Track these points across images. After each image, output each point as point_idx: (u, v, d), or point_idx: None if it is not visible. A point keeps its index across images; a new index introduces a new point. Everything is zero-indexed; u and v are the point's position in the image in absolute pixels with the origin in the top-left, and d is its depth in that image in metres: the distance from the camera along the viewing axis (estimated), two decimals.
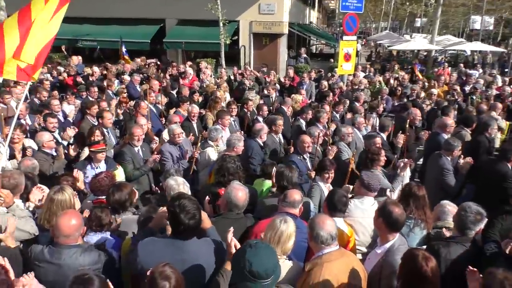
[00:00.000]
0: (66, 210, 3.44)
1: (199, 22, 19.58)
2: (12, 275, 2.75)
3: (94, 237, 3.59)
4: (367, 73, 15.63)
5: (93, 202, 4.22)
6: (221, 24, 17.15)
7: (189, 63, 15.21)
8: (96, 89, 9.43)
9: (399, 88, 11.65)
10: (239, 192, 3.75)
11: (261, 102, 9.49)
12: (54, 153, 5.76)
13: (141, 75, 12.08)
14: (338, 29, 38.98)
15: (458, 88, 11.47)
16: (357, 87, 11.96)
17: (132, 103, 9.16)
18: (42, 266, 3.03)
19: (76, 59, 14.57)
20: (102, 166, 5.35)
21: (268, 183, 5.07)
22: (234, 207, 3.74)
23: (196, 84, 11.50)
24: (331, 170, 5.05)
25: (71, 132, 6.62)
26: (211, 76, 13.50)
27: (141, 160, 5.86)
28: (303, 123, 8.07)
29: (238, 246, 2.91)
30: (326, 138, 6.91)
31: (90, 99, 8.87)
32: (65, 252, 3.06)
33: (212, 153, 6.12)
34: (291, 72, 13.67)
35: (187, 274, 2.80)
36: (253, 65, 19.45)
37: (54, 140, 5.96)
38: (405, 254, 2.88)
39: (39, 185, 4.47)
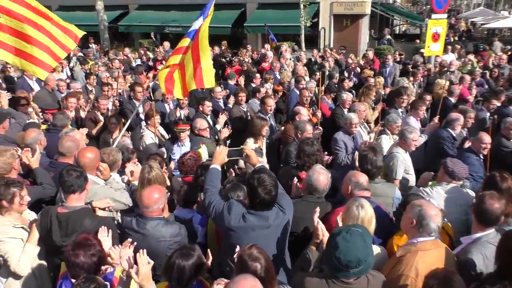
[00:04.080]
0: (152, 185, 3.73)
1: (279, 6, 19.53)
2: (107, 244, 3.04)
3: (182, 212, 3.85)
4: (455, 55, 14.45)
5: (182, 179, 4.50)
6: (301, 6, 16.94)
7: (267, 46, 15.28)
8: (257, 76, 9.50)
9: (495, 70, 10.67)
10: (321, 176, 3.73)
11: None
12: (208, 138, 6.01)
13: (223, 59, 12.40)
14: (424, 7, 36.46)
15: None
16: (446, 69, 11.18)
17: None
18: (131, 234, 3.30)
19: (167, 45, 15.28)
20: (187, 144, 5.73)
21: None
22: (314, 191, 3.75)
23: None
24: None
25: (221, 118, 6.81)
26: (290, 59, 13.46)
27: None
28: (487, 114, 6.99)
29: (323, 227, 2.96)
30: None
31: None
32: (149, 223, 3.30)
33: (386, 142, 5.76)
34: (370, 54, 13.14)
35: (271, 240, 3.02)
36: (333, 47, 18.99)
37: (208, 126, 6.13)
38: (503, 235, 2.74)
39: (135, 160, 4.86)
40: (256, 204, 3.13)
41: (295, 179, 4.19)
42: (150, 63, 13.32)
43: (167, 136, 6.65)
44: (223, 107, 8.03)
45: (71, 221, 3.24)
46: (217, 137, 6.29)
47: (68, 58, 13.99)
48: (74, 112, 7.02)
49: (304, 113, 6.29)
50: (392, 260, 2.95)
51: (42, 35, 5.85)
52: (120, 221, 3.90)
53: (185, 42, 5.53)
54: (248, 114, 7.44)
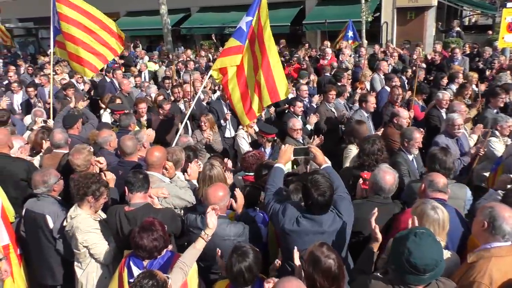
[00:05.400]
0: (216, 182, 3.81)
1: (339, 1, 19.15)
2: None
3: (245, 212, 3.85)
4: None
5: (243, 178, 4.55)
6: (363, 1, 16.48)
7: (327, 42, 15.03)
8: (345, 75, 9.12)
9: None
10: (387, 175, 3.61)
11: None
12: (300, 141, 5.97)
13: (282, 58, 12.36)
14: None
15: None
16: None
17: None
18: (195, 232, 3.42)
19: None
20: (267, 150, 5.75)
21: None
22: (379, 190, 3.64)
23: (332, 65, 11.30)
24: None
25: (312, 119, 6.73)
26: (350, 56, 13.15)
27: (415, 171, 4.88)
28: None
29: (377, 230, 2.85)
30: None
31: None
32: None
33: (497, 145, 5.34)
34: (438, 47, 12.42)
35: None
36: (396, 42, 18.28)
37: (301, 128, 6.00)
38: None
39: (196, 160, 4.99)
40: (310, 205, 3.07)
41: (360, 180, 4.08)
42: (211, 64, 13.61)
43: None
44: (308, 105, 7.83)
45: (138, 217, 3.41)
46: (307, 138, 6.14)
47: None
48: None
49: (404, 115, 5.83)
50: (463, 266, 2.78)
51: (89, 37, 6.60)
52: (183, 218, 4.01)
53: (233, 42, 5.45)
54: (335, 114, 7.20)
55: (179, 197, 4.09)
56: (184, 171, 4.64)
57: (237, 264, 2.71)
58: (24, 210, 4.07)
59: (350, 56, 13.15)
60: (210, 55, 15.65)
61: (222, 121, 7.35)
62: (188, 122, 7.05)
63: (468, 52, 12.48)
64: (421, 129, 5.41)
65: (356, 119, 6.00)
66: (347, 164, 5.22)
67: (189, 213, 3.74)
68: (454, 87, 8.06)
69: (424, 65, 11.27)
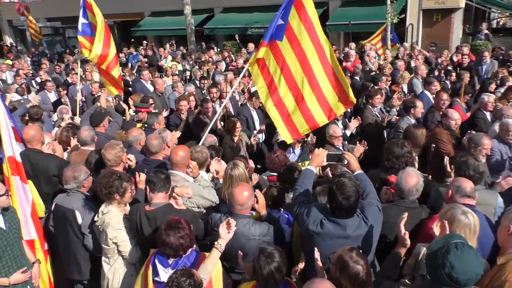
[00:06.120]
0: (240, 182, 3.82)
1: (363, 2, 18.95)
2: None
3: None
4: None
5: (268, 178, 4.55)
6: (388, 2, 16.27)
7: (351, 44, 14.90)
8: (383, 79, 8.81)
9: None
10: (409, 178, 3.56)
11: None
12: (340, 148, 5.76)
13: None
14: None
15: None
16: None
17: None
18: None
19: (251, 46, 15.53)
20: (297, 152, 5.77)
21: None
22: (403, 193, 3.60)
23: (357, 67, 11.17)
24: None
25: (353, 124, 6.56)
26: (375, 57, 13.00)
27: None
28: None
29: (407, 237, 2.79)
30: None
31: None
32: (240, 221, 3.37)
33: None
34: (466, 49, 12.12)
35: None
36: (421, 44, 17.97)
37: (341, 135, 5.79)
38: None
39: (217, 158, 5.01)
40: (334, 209, 3.05)
41: (384, 187, 4.04)
42: (233, 64, 13.62)
43: None
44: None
45: (158, 218, 3.45)
46: (346, 144, 6.01)
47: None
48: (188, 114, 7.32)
49: (453, 116, 5.59)
50: (493, 268, 2.75)
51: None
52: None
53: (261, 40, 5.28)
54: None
55: (202, 197, 4.10)
56: (206, 170, 4.66)
57: (267, 266, 2.71)
58: (53, 205, 4.16)
59: (375, 58, 13.01)
60: (232, 56, 15.70)
61: (255, 133, 7.27)
62: (220, 123, 7.10)
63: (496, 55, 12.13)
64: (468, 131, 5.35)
65: (413, 124, 5.87)
66: None
67: (214, 213, 3.77)
68: (503, 90, 7.75)
69: (450, 68, 11.06)
